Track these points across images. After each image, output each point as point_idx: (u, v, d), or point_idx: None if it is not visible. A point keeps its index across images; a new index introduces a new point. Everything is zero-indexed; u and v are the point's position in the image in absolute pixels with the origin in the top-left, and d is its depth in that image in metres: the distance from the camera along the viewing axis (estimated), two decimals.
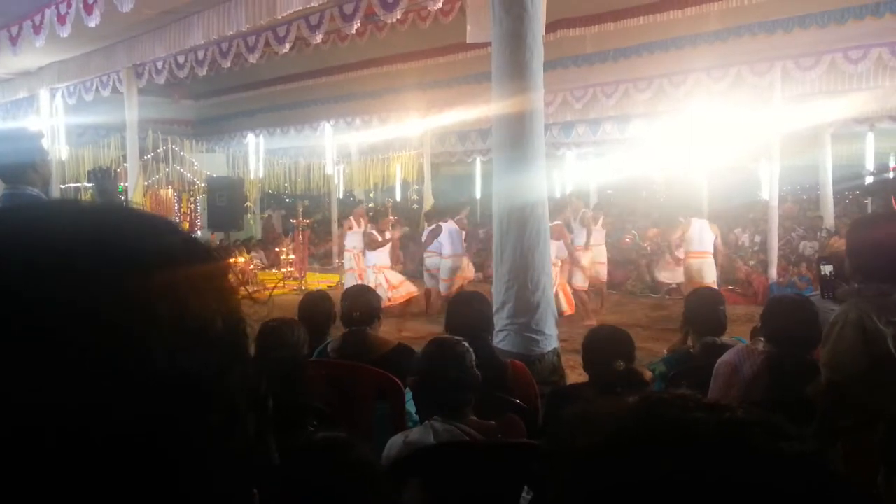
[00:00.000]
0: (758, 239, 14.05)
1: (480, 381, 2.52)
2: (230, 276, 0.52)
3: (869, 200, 17.60)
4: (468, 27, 5.48)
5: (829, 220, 15.25)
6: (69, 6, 7.01)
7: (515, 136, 4.46)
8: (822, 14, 8.01)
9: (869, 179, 15.59)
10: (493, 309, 4.46)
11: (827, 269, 3.17)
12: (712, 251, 9.23)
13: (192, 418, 0.44)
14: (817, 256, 3.82)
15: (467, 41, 5.52)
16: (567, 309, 9.10)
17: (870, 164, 14.89)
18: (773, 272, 10.86)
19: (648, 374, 3.82)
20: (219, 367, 0.46)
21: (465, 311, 3.47)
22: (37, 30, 7.67)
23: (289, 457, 1.28)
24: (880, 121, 13.54)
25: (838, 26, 8.10)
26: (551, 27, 7.08)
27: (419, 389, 2.56)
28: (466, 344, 2.59)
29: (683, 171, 15.72)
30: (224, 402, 0.46)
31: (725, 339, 3.68)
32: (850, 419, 2.10)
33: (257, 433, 0.49)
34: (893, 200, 5.00)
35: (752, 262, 12.31)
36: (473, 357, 2.52)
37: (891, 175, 14.48)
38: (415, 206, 19.78)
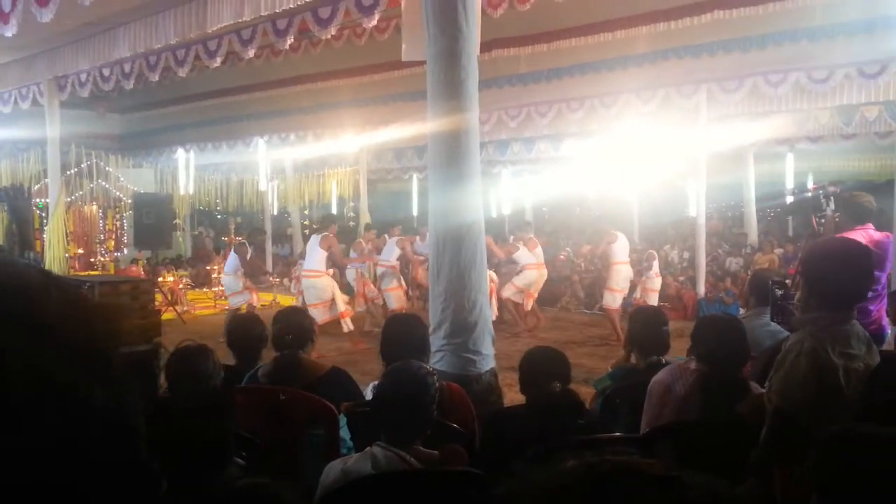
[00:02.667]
0: (686, 255, 14.45)
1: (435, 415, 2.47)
2: (108, 317, 0.48)
3: (790, 219, 18.40)
4: (403, 45, 5.45)
5: (753, 236, 15.86)
6: None
7: (451, 155, 4.44)
8: (744, 39, 8.34)
9: (790, 198, 16.28)
10: (430, 329, 4.41)
11: (778, 293, 3.21)
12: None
13: (58, 472, 0.40)
14: (770, 280, 3.86)
15: (402, 59, 5.49)
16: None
17: (790, 183, 15.55)
18: (702, 288, 11.18)
19: (589, 392, 3.83)
20: (88, 441, 0.41)
21: (401, 334, 3.41)
22: None
23: None
24: (799, 141, 14.18)
25: (759, 51, 8.45)
26: (486, 47, 7.14)
27: (374, 411, 2.49)
28: (436, 377, 2.53)
29: (615, 189, 16.09)
30: (93, 483, 0.41)
31: (670, 358, 3.70)
32: (794, 447, 2.12)
33: None
34: (814, 219, 5.18)
35: (681, 279, 12.63)
36: (437, 391, 2.46)
37: (810, 194, 15.16)
38: (351, 223, 19.61)
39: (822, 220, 5.09)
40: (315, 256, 9.05)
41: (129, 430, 0.47)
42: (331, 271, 9.45)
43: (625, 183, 15.20)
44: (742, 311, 7.93)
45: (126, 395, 0.48)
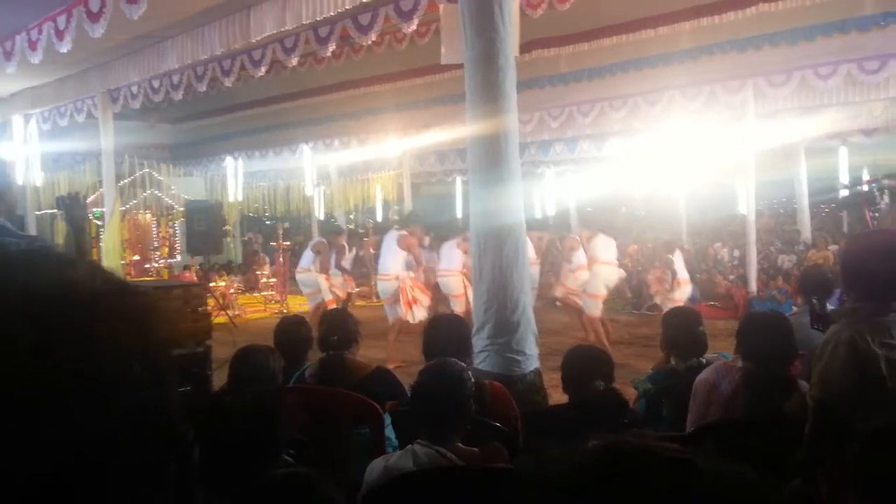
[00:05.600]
0: (737, 253, 14.16)
1: (473, 411, 2.49)
2: (161, 317, 0.50)
3: (844, 213, 17.85)
4: (442, 49, 5.50)
5: (806, 233, 15.42)
6: (40, 32, 6.95)
7: (491, 157, 4.46)
8: (792, 31, 8.15)
9: (844, 193, 15.81)
10: (473, 329, 4.43)
11: (817, 302, 3.17)
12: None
13: (96, 468, 0.42)
14: (824, 275, 3.75)
15: (441, 63, 5.54)
16: None
17: (844, 178, 15.09)
18: (753, 286, 10.95)
19: (633, 393, 3.81)
20: (129, 416, 0.44)
21: (442, 334, 3.44)
22: (7, 56, 7.60)
23: (253, 494, 1.25)
24: (852, 135, 13.75)
25: (807, 44, 8.24)
26: (525, 47, 7.14)
27: (412, 409, 2.53)
28: (470, 372, 2.56)
29: (661, 188, 15.87)
30: (134, 452, 0.44)
31: (709, 355, 3.66)
32: (838, 442, 2.08)
33: (179, 483, 0.47)
34: (867, 213, 5.03)
35: (731, 277, 12.39)
36: (472, 386, 2.49)
37: (864, 188, 14.68)
38: (395, 226, 19.73)
39: (877, 214, 4.94)
40: (391, 257, 8.69)
41: (167, 426, 0.48)
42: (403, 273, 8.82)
43: (671, 181, 14.97)
44: (795, 308, 7.73)
45: (167, 392, 0.49)
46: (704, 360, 3.52)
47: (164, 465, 0.47)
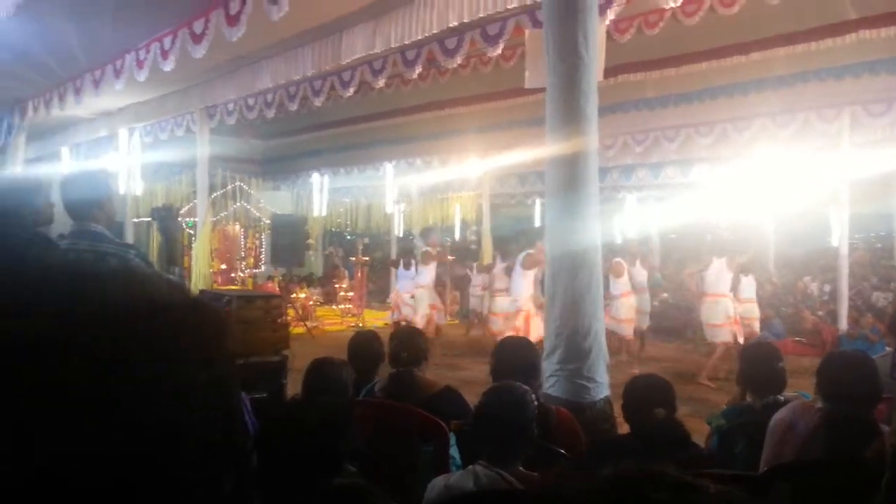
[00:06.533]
0: (827, 288, 13.54)
1: (536, 435, 2.50)
2: (227, 332, 0.55)
3: None
4: (526, 73, 5.53)
5: None
6: (147, 52, 7.40)
7: (569, 182, 4.46)
8: (893, 60, 7.80)
9: None
10: (544, 354, 4.42)
11: None
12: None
13: (161, 469, 0.46)
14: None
15: (525, 86, 5.57)
16: None
17: None
18: (843, 323, 10.44)
19: (707, 428, 3.71)
20: (194, 422, 0.48)
21: (511, 357, 3.45)
22: (117, 74, 8.11)
23: (309, 502, 1.30)
24: None
25: None
26: (611, 72, 7.09)
27: (474, 429, 2.56)
28: (533, 395, 2.57)
29: (749, 216, 15.35)
30: (196, 457, 0.48)
31: (788, 394, 3.54)
32: None
33: (237, 489, 0.51)
34: None
35: (820, 313, 11.84)
36: (535, 410, 2.50)
37: None
38: (472, 246, 19.85)
39: None
40: (521, 281, 9.15)
41: (227, 433, 0.50)
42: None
43: (760, 210, 14.48)
44: (888, 349, 7.35)
45: (229, 401, 0.52)
46: (783, 398, 3.39)
47: (222, 470, 0.51)
